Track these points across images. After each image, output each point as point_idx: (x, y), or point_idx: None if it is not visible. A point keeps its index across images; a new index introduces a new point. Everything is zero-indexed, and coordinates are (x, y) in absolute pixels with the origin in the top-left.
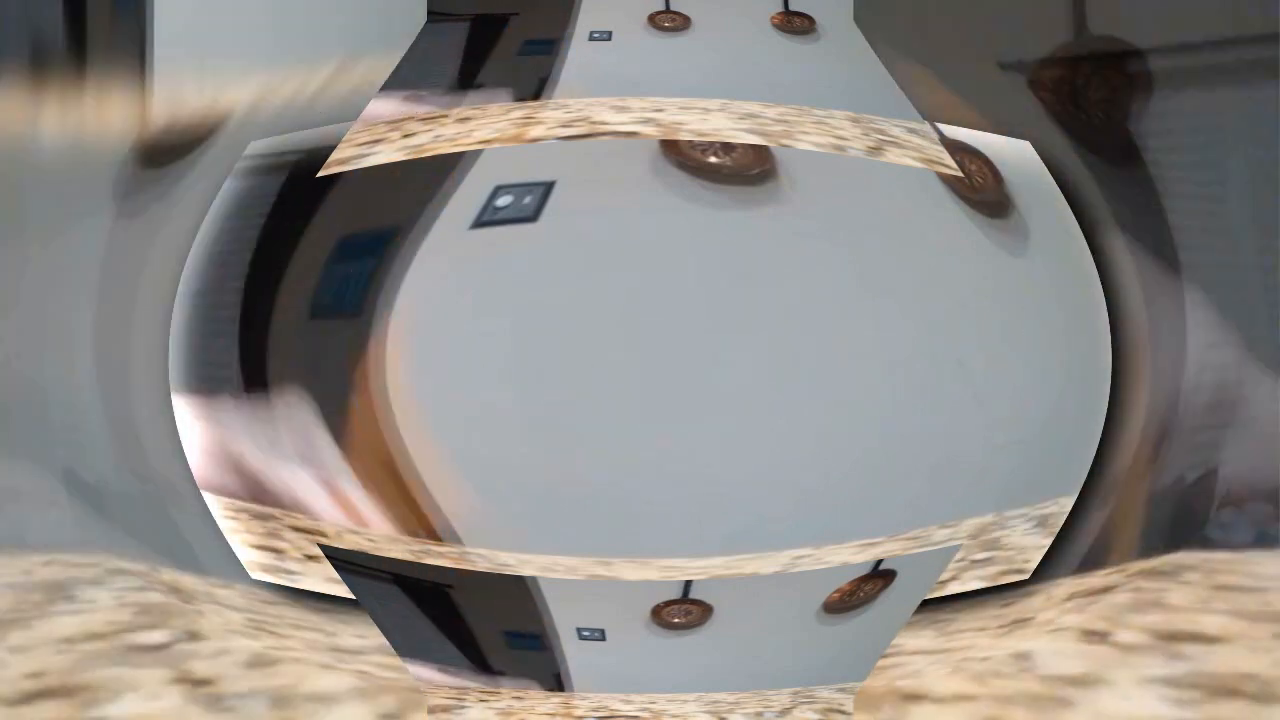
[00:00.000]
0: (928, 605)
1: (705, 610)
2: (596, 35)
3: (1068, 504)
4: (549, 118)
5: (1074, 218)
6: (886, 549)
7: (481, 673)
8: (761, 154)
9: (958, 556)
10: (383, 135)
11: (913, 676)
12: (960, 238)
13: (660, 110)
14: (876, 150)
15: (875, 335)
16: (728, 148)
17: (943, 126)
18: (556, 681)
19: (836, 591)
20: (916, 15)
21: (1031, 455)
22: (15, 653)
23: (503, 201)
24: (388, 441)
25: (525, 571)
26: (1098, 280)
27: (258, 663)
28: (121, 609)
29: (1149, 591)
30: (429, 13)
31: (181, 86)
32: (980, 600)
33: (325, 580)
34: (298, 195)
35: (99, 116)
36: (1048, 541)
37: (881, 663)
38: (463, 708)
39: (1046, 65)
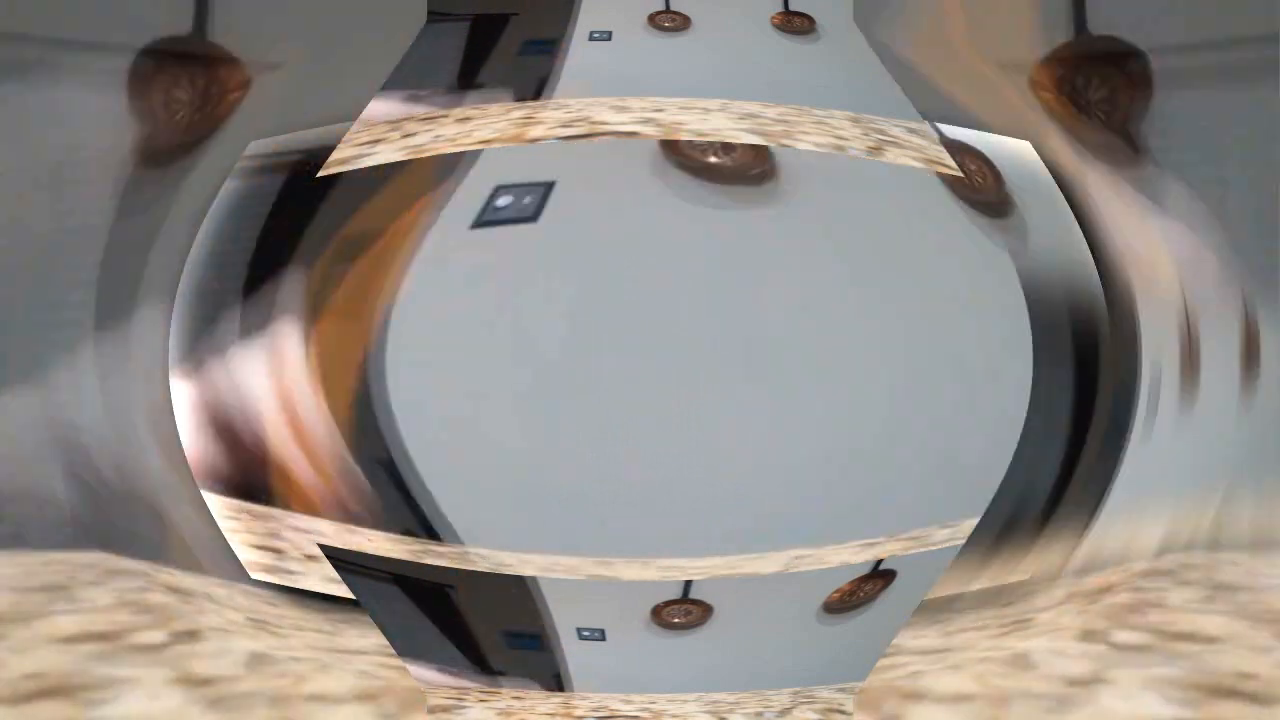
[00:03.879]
0: (928, 605)
1: (705, 610)
2: (596, 35)
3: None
4: (549, 118)
5: (1074, 218)
6: (887, 549)
7: (481, 673)
8: (761, 154)
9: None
10: (383, 135)
11: (913, 676)
12: (960, 237)
13: (660, 110)
14: (877, 150)
15: (874, 335)
16: (727, 148)
17: (943, 126)
18: (556, 681)
19: (836, 591)
20: (916, 15)
21: None
22: (15, 653)
23: (503, 201)
24: (387, 441)
25: (525, 571)
26: (1098, 280)
27: (258, 663)
28: (121, 609)
29: (1149, 591)
30: (429, 13)
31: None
32: (980, 600)
33: (325, 580)
34: (298, 195)
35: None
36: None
37: (881, 663)
38: (463, 708)
39: (1046, 65)
